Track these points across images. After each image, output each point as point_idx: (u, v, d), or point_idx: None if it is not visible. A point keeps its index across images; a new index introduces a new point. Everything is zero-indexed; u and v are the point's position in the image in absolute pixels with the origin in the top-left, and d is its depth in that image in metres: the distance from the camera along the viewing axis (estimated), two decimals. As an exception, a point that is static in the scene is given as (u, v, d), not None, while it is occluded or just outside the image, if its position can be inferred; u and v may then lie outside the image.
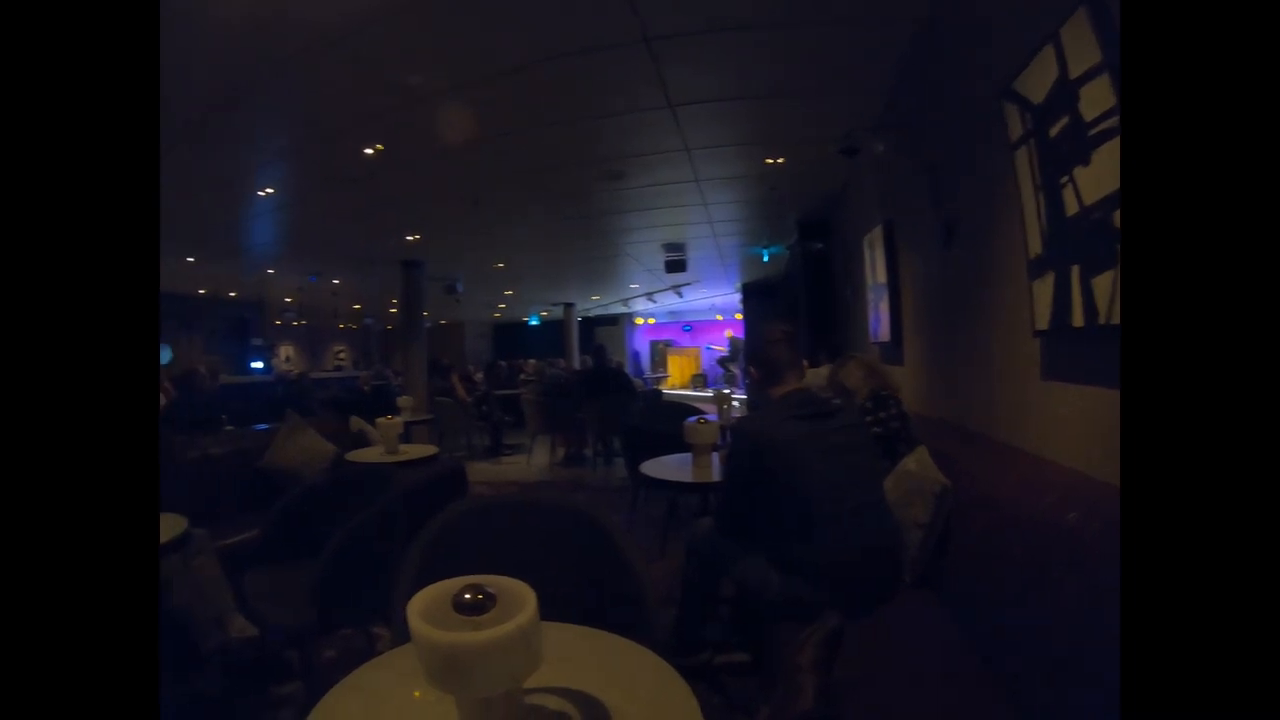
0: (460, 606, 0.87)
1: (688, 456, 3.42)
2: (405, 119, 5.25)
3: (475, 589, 0.89)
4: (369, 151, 5.91)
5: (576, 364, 15.94)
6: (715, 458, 3.36)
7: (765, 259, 10.36)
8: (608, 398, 7.84)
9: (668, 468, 3.54)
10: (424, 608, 0.87)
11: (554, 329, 20.36)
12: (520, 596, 0.90)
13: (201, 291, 15.52)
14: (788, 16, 3.72)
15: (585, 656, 1.18)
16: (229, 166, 6.51)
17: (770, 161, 6.30)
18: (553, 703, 1.02)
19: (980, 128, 2.80)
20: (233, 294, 16.26)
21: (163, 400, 6.21)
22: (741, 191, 7.61)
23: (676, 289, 15.24)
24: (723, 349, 20.80)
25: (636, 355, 23.82)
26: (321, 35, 3.99)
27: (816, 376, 3.87)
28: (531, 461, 8.52)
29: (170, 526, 2.55)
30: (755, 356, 2.56)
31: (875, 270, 5.26)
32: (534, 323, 22.53)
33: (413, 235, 9.46)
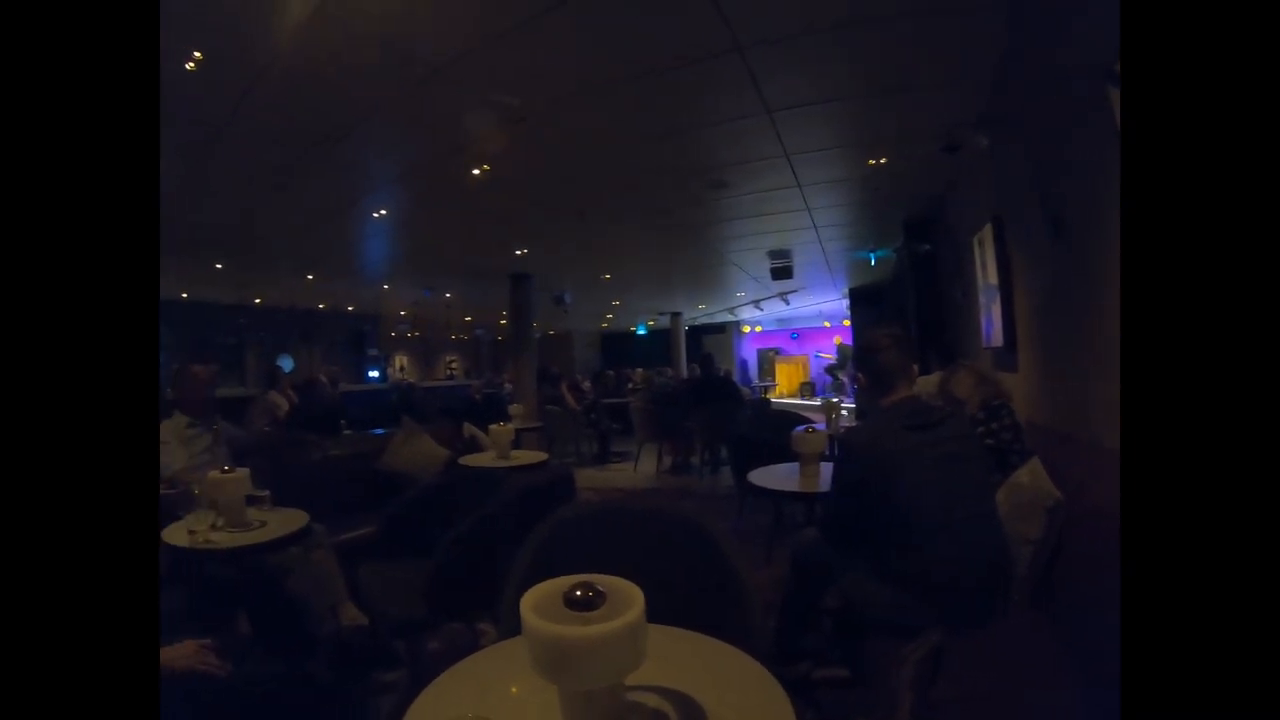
0: (571, 602, 0.91)
1: (795, 466, 3.38)
2: (508, 140, 5.41)
3: (586, 586, 0.93)
4: (476, 172, 6.13)
5: (684, 373, 15.98)
6: (823, 467, 3.32)
7: (872, 263, 10.15)
8: (715, 406, 7.85)
9: (775, 477, 3.50)
10: (536, 602, 0.91)
11: (661, 338, 20.49)
12: (629, 596, 0.93)
13: (321, 306, 16.44)
14: (878, 11, 3.64)
15: (687, 658, 1.19)
16: (345, 192, 6.92)
17: (872, 162, 6.15)
18: (651, 700, 1.05)
19: (1085, 115, 2.68)
20: (350, 308, 17.14)
21: (285, 406, 6.63)
22: (845, 195, 7.46)
23: (783, 296, 15.10)
24: (831, 356, 20.25)
25: (744, 363, 23.54)
26: (426, 65, 4.20)
27: (927, 384, 3.77)
28: (638, 469, 8.59)
29: (292, 521, 2.75)
30: (863, 363, 2.51)
31: (986, 271, 5.08)
32: (641, 332, 22.75)
33: (521, 249, 9.72)
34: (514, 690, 0.93)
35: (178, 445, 3.38)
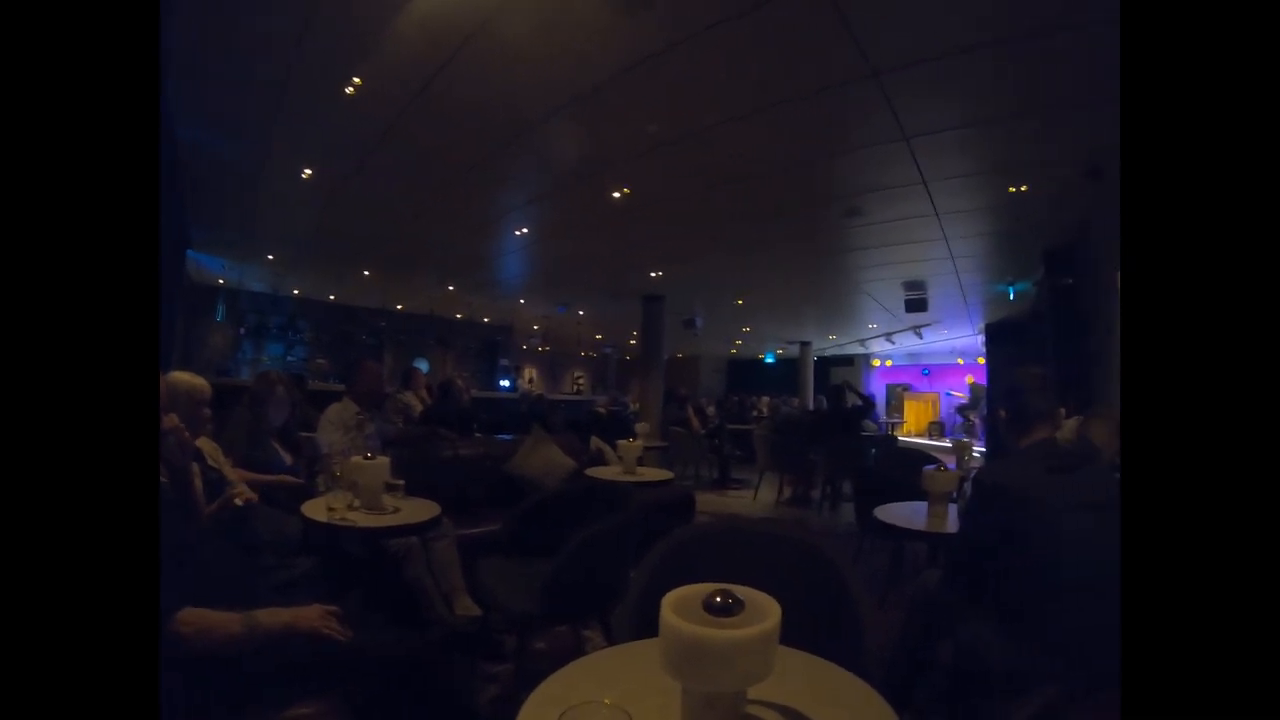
0: (710, 607, 0.94)
1: (922, 505, 3.31)
2: (648, 164, 5.56)
3: (726, 594, 0.95)
4: (616, 195, 6.31)
5: (810, 403, 15.72)
6: (952, 508, 3.22)
7: (1010, 297, 9.66)
8: (841, 440, 7.67)
9: (900, 514, 3.41)
10: (676, 603, 0.94)
11: (789, 367, 20.16)
12: (766, 608, 0.95)
13: (458, 315, 17.21)
14: (1014, 32, 3.50)
15: (807, 680, 1.19)
16: (488, 209, 7.29)
17: (1013, 190, 5.88)
18: (769, 716, 1.05)
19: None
20: (486, 319, 17.84)
21: (419, 406, 6.97)
22: (984, 224, 7.17)
23: (916, 329, 14.61)
24: (963, 396, 19.12)
25: (872, 398, 22.67)
26: (569, 91, 4.41)
27: (1064, 429, 3.58)
28: (757, 497, 8.50)
29: (423, 510, 2.92)
30: (1009, 400, 2.41)
31: (1129, 307, 4.77)
32: (769, 360, 22.50)
33: (656, 272, 9.87)
34: (606, 701, 0.92)
35: (340, 430, 3.72)
